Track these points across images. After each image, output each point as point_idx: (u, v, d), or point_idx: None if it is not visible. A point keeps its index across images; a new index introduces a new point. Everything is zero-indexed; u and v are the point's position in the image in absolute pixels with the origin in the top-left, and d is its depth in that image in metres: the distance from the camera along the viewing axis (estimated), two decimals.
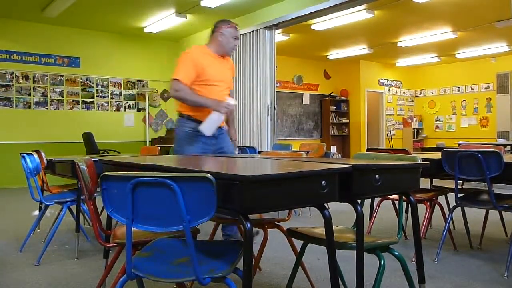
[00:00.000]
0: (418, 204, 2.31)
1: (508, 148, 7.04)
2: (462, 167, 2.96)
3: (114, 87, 9.10)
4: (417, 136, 12.87)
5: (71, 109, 8.59)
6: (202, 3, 6.79)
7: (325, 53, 10.76)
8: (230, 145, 3.35)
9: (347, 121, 12.12)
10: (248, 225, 1.33)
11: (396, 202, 3.50)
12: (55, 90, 8.41)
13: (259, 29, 7.13)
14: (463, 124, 11.93)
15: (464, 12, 7.33)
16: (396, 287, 2.59)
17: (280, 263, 3.10)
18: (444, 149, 3.12)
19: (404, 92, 12.98)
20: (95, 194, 1.98)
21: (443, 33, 8.66)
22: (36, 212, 4.75)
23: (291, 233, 2.03)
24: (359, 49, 10.21)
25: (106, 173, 1.41)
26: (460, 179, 3.08)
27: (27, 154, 3.29)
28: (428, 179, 3.94)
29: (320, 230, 1.94)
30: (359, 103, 11.86)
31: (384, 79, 12.40)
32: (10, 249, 3.58)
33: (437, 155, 3.30)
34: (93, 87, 8.85)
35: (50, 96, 8.36)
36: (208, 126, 3.04)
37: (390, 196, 3.40)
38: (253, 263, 2.33)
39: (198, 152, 3.12)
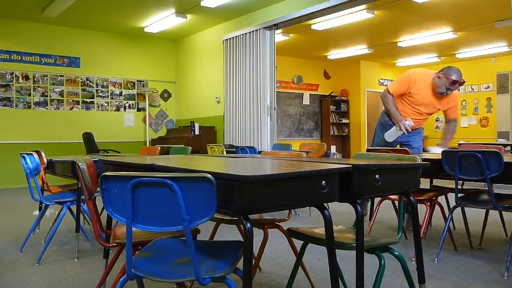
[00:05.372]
0: (418, 204, 2.31)
1: (508, 148, 7.04)
2: (462, 167, 2.96)
3: (114, 87, 9.10)
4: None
5: (71, 109, 8.59)
6: (202, 3, 6.79)
7: (325, 53, 10.76)
8: (417, 142, 4.11)
9: (347, 121, 12.12)
10: (248, 225, 1.33)
11: (396, 202, 3.50)
12: (55, 90, 8.41)
13: (259, 29, 7.13)
14: (463, 124, 11.92)
15: (464, 12, 7.33)
16: (396, 287, 2.59)
17: (280, 263, 3.10)
18: (444, 149, 3.12)
19: None
20: (95, 194, 1.98)
21: (443, 33, 8.66)
22: (36, 212, 4.75)
23: (291, 233, 2.03)
24: (359, 49, 10.21)
25: (106, 173, 1.41)
26: (460, 179, 3.07)
27: (27, 154, 3.28)
28: (428, 179, 3.94)
29: (320, 230, 1.94)
30: (359, 103, 11.86)
31: (384, 79, 12.40)
32: (10, 249, 3.58)
33: (437, 155, 3.30)
34: (93, 87, 8.85)
35: (50, 96, 8.36)
36: (388, 134, 4.01)
37: (390, 196, 3.40)
38: (253, 263, 2.33)
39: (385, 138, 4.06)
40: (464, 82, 3.82)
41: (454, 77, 3.74)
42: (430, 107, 3.96)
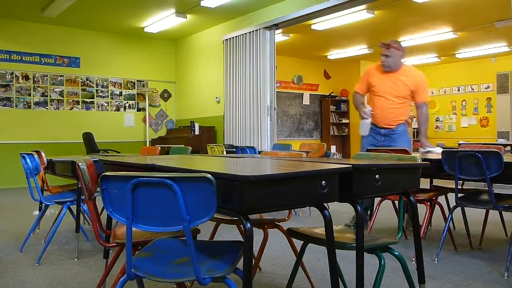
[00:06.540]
0: (418, 204, 2.31)
1: (508, 148, 7.04)
2: (462, 167, 2.96)
3: (114, 87, 9.10)
4: (418, 136, 12.86)
5: (71, 109, 8.59)
6: (202, 3, 6.79)
7: (325, 53, 10.76)
8: (403, 143, 3.94)
9: (347, 121, 12.12)
10: (248, 225, 1.33)
11: (396, 202, 3.50)
12: (55, 90, 8.41)
13: (259, 29, 7.13)
14: (463, 124, 11.93)
15: (464, 12, 7.33)
16: (396, 287, 2.59)
17: (280, 263, 3.10)
18: (444, 149, 3.12)
19: None
20: (95, 194, 1.98)
21: (443, 33, 8.66)
22: (36, 212, 4.75)
23: (291, 233, 2.03)
24: (359, 49, 10.20)
25: (106, 173, 1.41)
26: (460, 179, 3.07)
27: (27, 154, 3.29)
28: (428, 179, 3.94)
29: (320, 230, 1.94)
30: None
31: None
32: (10, 249, 3.58)
33: (437, 155, 3.30)
34: (93, 87, 8.85)
35: (50, 96, 8.36)
36: (360, 128, 3.99)
37: (390, 196, 3.40)
38: (253, 263, 2.33)
39: (368, 141, 3.99)
40: (389, 45, 3.82)
41: (387, 43, 3.88)
42: (389, 87, 3.90)
